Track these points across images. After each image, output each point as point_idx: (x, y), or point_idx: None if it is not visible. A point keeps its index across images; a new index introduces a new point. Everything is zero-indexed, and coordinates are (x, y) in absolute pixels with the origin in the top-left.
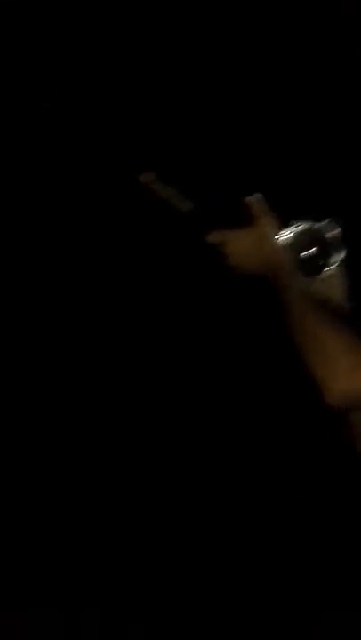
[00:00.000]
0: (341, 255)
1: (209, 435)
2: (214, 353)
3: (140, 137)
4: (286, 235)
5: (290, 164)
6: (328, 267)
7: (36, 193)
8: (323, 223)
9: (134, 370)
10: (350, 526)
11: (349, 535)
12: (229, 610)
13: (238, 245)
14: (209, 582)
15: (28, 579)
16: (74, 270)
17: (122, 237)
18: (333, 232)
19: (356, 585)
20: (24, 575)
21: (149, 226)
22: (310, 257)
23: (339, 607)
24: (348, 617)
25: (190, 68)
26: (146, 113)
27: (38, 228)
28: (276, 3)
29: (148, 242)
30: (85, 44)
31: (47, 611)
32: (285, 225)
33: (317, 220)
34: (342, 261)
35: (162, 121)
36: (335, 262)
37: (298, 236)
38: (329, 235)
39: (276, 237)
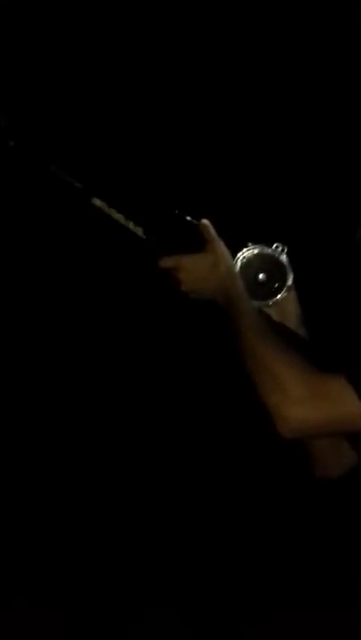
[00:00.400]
0: (291, 279)
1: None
2: (166, 377)
3: (92, 160)
4: (238, 260)
5: (239, 189)
6: (280, 291)
7: None
8: (273, 248)
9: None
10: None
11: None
12: (229, 610)
13: (191, 271)
14: (207, 582)
15: (28, 579)
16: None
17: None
18: (284, 257)
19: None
20: (24, 576)
21: (102, 248)
22: (262, 282)
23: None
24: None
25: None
26: (99, 137)
27: None
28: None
29: (101, 263)
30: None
31: (47, 611)
32: (237, 250)
33: (268, 244)
34: (295, 286)
35: (114, 146)
36: (287, 287)
37: (250, 261)
38: (280, 259)
39: (228, 263)
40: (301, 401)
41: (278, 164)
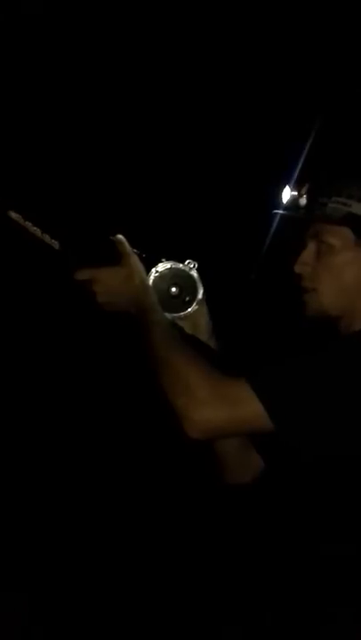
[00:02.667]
0: (201, 293)
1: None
2: (78, 387)
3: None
4: (152, 274)
5: (154, 206)
6: (192, 304)
7: None
8: (185, 263)
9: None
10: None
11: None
12: (229, 613)
13: (106, 283)
14: (207, 585)
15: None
16: None
17: None
18: (195, 272)
19: None
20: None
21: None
22: (174, 295)
23: None
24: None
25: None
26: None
27: None
28: None
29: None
30: None
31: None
32: (150, 265)
33: (180, 260)
34: (205, 299)
35: (30, 160)
36: (198, 300)
37: (163, 275)
38: (191, 274)
39: (142, 276)
40: (206, 402)
41: (191, 186)
